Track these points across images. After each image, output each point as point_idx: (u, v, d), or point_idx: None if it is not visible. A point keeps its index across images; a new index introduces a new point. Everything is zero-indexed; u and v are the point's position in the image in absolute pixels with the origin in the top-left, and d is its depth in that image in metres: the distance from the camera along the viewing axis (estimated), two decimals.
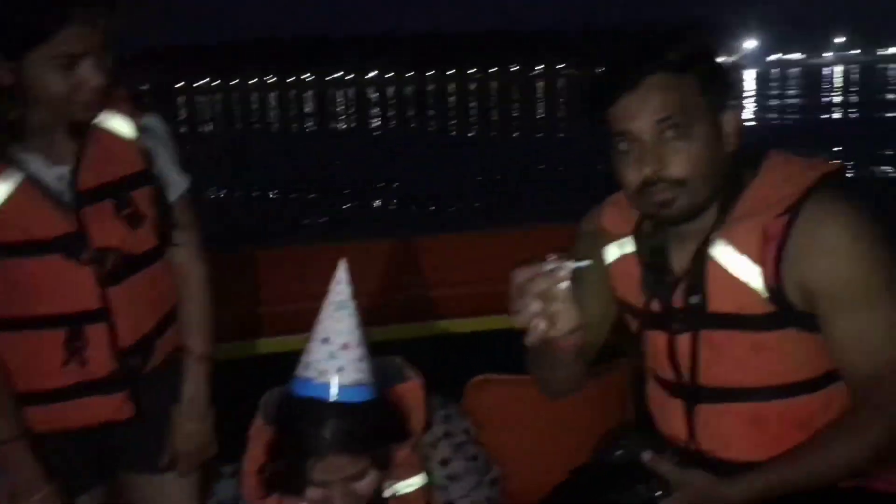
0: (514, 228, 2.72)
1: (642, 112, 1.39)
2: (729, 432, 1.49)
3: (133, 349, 1.67)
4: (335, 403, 1.46)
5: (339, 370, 1.46)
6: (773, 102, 35.62)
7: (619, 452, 1.50)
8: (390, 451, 1.57)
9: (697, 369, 1.49)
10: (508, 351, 1.96)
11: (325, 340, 1.48)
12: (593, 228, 1.64)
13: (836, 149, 16.76)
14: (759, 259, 1.40)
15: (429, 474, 1.67)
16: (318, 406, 1.46)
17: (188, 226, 1.76)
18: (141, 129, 1.69)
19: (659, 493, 1.42)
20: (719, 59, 1.49)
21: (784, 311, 1.40)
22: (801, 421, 1.45)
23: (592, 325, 1.58)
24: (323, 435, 1.45)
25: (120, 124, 1.67)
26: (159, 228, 1.70)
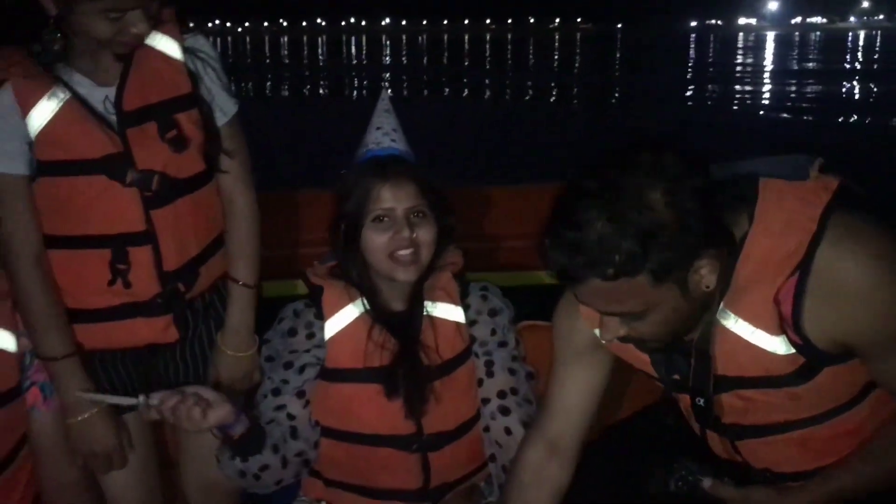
0: (545, 183, 2.71)
1: (592, 304, 1.34)
2: (777, 456, 1.49)
3: (178, 273, 1.70)
4: (394, 152, 1.71)
5: (393, 140, 1.73)
6: (793, 67, 35.10)
7: (678, 483, 1.51)
8: (447, 220, 1.73)
9: (728, 418, 1.48)
10: (542, 305, 1.99)
11: (379, 128, 1.75)
12: (575, 311, 1.55)
13: (854, 118, 16.51)
14: (775, 329, 1.34)
15: (471, 323, 1.76)
16: (380, 155, 1.70)
17: (236, 152, 1.75)
18: (187, 51, 1.68)
19: None
20: (686, 211, 1.23)
21: (815, 359, 1.35)
22: (849, 430, 1.44)
23: (577, 404, 1.62)
24: (388, 165, 1.67)
25: (166, 45, 1.66)
26: (206, 153, 1.70)
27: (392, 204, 1.65)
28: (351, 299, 1.71)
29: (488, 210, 2.38)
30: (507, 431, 1.71)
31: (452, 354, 1.73)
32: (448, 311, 1.75)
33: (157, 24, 1.62)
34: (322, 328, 1.71)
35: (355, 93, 25.87)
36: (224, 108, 1.74)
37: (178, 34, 1.68)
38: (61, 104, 1.57)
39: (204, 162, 1.71)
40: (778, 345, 1.35)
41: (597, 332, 1.47)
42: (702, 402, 1.46)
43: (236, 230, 1.79)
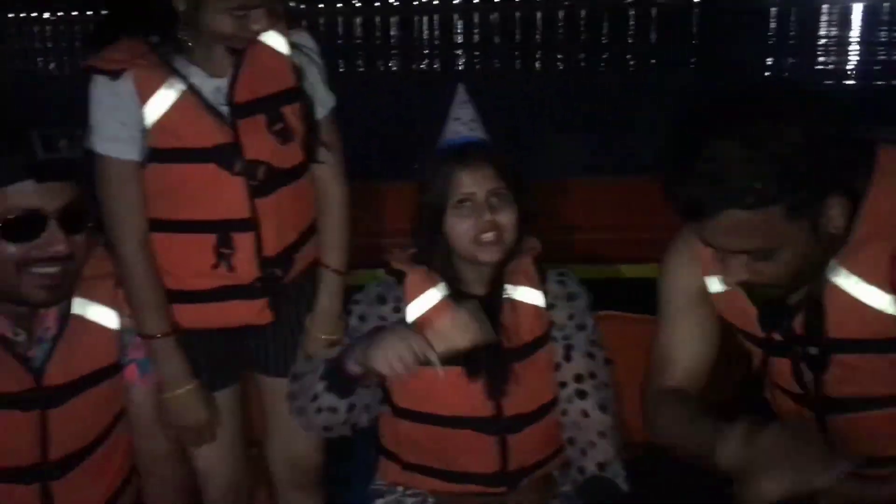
0: (624, 177, 2.70)
1: (722, 241, 1.32)
2: (866, 435, 1.46)
3: (276, 259, 1.77)
4: (473, 139, 1.72)
5: (471, 130, 1.75)
6: (882, 38, 33.52)
7: None
8: (528, 204, 1.73)
9: (828, 387, 1.45)
10: (617, 297, 1.98)
11: (457, 119, 1.76)
12: (686, 259, 1.56)
13: None
14: (890, 287, 1.32)
15: (549, 308, 1.76)
16: (459, 143, 1.72)
17: (332, 144, 1.83)
18: (292, 46, 1.74)
19: None
20: (819, 147, 1.24)
21: None
22: None
23: (701, 352, 1.58)
24: (468, 150, 1.68)
25: (276, 40, 1.73)
26: (306, 144, 1.77)
27: (472, 188, 1.67)
28: (433, 283, 1.74)
29: (565, 202, 2.38)
30: (584, 414, 1.72)
31: (532, 337, 1.75)
32: (528, 295, 1.76)
33: (276, 21, 1.68)
34: (405, 311, 1.74)
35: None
36: (323, 101, 1.81)
37: (286, 30, 1.74)
38: (178, 94, 1.65)
39: (303, 154, 1.77)
40: (888, 304, 1.32)
41: (708, 280, 1.48)
42: (816, 351, 1.42)
43: (329, 219, 1.86)
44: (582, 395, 1.73)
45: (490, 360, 1.69)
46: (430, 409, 1.73)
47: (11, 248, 1.50)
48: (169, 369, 1.76)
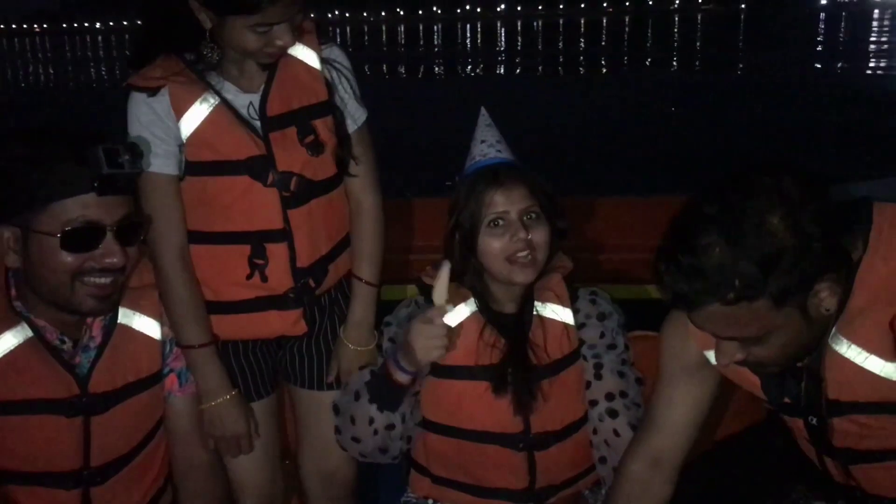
0: (656, 196, 2.68)
1: (711, 329, 1.33)
2: (893, 483, 1.45)
3: (309, 270, 1.81)
4: (502, 161, 1.75)
5: (499, 151, 1.78)
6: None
7: None
8: (559, 222, 1.75)
9: (841, 442, 1.45)
10: (650, 317, 1.97)
11: (483, 141, 1.80)
12: (683, 331, 1.55)
13: None
14: (891, 355, 1.31)
15: (579, 327, 1.78)
16: (489, 164, 1.75)
17: (364, 157, 1.86)
18: (323, 60, 1.78)
19: None
20: (805, 237, 1.23)
21: None
22: None
23: (686, 421, 1.61)
24: (500, 171, 1.70)
25: (307, 54, 1.77)
26: (338, 157, 1.81)
27: (506, 207, 1.69)
28: (463, 299, 1.76)
29: (597, 221, 2.38)
30: (616, 433, 1.72)
31: (561, 355, 1.75)
32: (557, 312, 1.77)
33: (300, 35, 1.72)
34: None
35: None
36: (355, 115, 1.84)
37: (317, 45, 1.78)
38: (212, 109, 1.70)
39: (335, 166, 1.81)
40: (892, 372, 1.31)
41: (707, 354, 1.47)
42: (815, 421, 1.44)
43: (363, 231, 1.89)
44: (613, 413, 1.72)
45: (517, 377, 1.70)
46: (457, 423, 1.75)
47: (69, 258, 1.55)
48: (208, 380, 1.80)
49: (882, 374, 1.33)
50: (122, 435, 1.72)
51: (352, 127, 1.84)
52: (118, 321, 1.72)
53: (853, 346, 1.34)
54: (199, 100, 1.69)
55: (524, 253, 1.68)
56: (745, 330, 1.29)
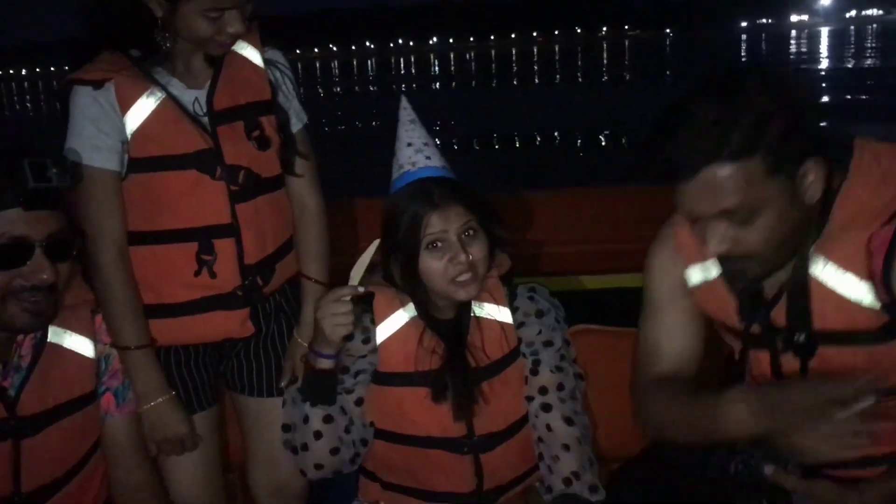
0: (588, 187, 2.70)
1: (701, 203, 1.33)
2: None
3: (257, 267, 1.79)
4: (433, 174, 1.68)
5: (428, 157, 1.71)
6: (849, 65, 34.23)
7: (738, 466, 1.46)
8: (495, 230, 1.72)
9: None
10: (587, 310, 1.98)
11: (409, 144, 1.73)
12: (669, 252, 1.58)
13: None
14: (866, 275, 1.33)
15: (519, 325, 1.76)
16: (420, 178, 1.68)
17: (306, 158, 1.87)
18: (266, 61, 1.80)
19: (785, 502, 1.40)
20: (794, 113, 1.29)
21: None
22: None
23: (688, 344, 1.59)
24: (432, 189, 1.65)
25: (251, 53, 1.79)
26: (282, 157, 1.81)
27: (443, 227, 1.65)
28: (402, 304, 1.75)
29: (532, 216, 2.40)
30: (549, 428, 1.71)
31: (500, 355, 1.75)
32: (494, 313, 1.76)
33: (244, 35, 1.72)
34: (375, 333, 1.75)
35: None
36: (298, 115, 1.86)
37: (261, 46, 1.80)
38: (157, 103, 1.69)
39: (280, 165, 1.82)
40: (864, 293, 1.34)
41: (688, 273, 1.51)
42: (802, 338, 1.41)
43: (309, 231, 1.89)
44: (546, 408, 1.72)
45: (456, 382, 1.70)
46: (401, 429, 1.73)
47: None
48: (146, 381, 1.76)
49: (852, 298, 1.35)
50: (56, 458, 1.66)
51: (296, 126, 1.86)
52: (48, 340, 1.67)
53: (829, 265, 1.36)
54: (146, 94, 1.68)
55: (466, 275, 1.67)
56: (736, 197, 1.28)
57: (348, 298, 1.59)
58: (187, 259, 1.74)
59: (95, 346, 1.73)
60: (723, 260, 1.45)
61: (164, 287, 1.77)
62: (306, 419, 1.67)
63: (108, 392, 1.75)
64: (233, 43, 1.73)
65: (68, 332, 1.69)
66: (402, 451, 1.74)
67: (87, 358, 1.72)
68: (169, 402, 1.78)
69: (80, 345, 1.71)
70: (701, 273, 1.55)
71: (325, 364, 1.64)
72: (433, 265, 1.67)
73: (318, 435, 1.67)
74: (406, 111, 1.77)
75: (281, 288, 1.89)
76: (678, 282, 1.58)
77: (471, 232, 1.67)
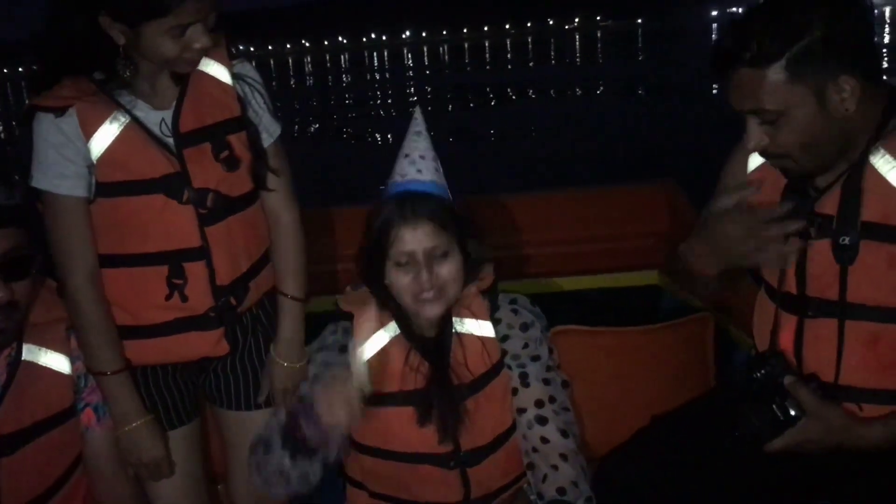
0: (571, 189, 2.71)
1: (736, 100, 1.44)
2: (840, 351, 1.46)
3: (229, 287, 1.76)
4: (416, 188, 1.68)
5: (419, 171, 1.70)
6: None
7: (762, 371, 1.51)
8: (471, 250, 1.71)
9: (824, 280, 1.47)
10: (571, 311, 1.98)
11: (407, 155, 1.73)
12: (741, 151, 1.64)
13: None
14: None
15: (503, 339, 1.75)
16: (402, 192, 1.68)
17: (280, 171, 1.82)
18: (234, 76, 1.75)
19: (794, 413, 1.43)
20: (835, 30, 1.36)
21: None
22: None
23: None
24: (407, 204, 1.64)
25: (217, 70, 1.74)
26: (254, 173, 1.77)
27: (412, 246, 1.64)
28: (383, 324, 1.73)
29: (515, 218, 2.39)
30: (544, 440, 1.70)
31: (483, 370, 1.73)
32: (476, 327, 1.74)
33: (209, 52, 1.69)
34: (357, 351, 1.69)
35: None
36: (269, 129, 1.81)
37: (228, 60, 1.75)
38: (122, 127, 1.65)
39: (252, 182, 1.78)
40: None
41: (750, 160, 1.60)
42: (846, 240, 1.44)
43: (283, 246, 1.85)
44: (542, 420, 1.71)
45: (440, 402, 1.68)
46: (389, 446, 1.72)
47: None
48: (121, 404, 1.73)
49: None
50: (36, 475, 1.64)
51: (267, 141, 1.81)
52: (22, 358, 1.64)
53: (893, 161, 1.40)
54: (109, 119, 1.64)
55: (429, 294, 1.65)
56: (760, 100, 1.39)
57: (352, 394, 1.52)
58: (158, 282, 1.71)
59: (72, 362, 1.71)
60: (764, 156, 1.53)
61: (137, 308, 1.74)
62: (281, 472, 1.59)
63: (88, 408, 1.73)
64: (200, 58, 1.69)
65: (43, 349, 1.67)
66: (389, 466, 1.73)
67: (64, 374, 1.70)
68: (146, 426, 1.76)
69: (56, 361, 1.69)
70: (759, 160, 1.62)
71: (314, 438, 1.54)
72: (399, 280, 1.66)
73: (287, 482, 1.60)
74: (416, 122, 1.76)
75: (259, 301, 1.87)
76: (744, 178, 1.65)
77: (440, 252, 1.65)
